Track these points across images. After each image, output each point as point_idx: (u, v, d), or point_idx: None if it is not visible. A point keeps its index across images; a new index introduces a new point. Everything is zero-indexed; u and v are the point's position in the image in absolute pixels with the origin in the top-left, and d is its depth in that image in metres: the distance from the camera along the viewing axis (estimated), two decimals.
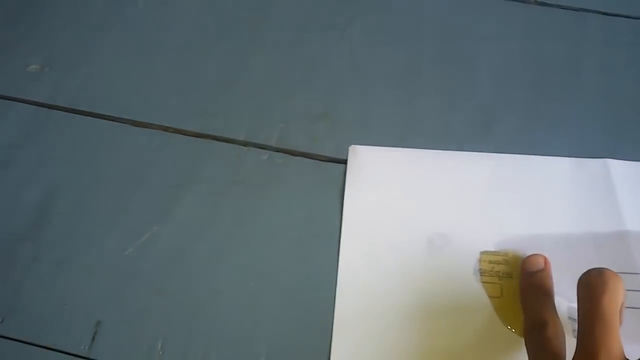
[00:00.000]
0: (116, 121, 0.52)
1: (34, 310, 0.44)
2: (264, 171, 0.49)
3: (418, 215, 0.46)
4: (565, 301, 0.40)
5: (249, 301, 0.43)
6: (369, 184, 0.47)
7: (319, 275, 0.44)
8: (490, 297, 0.42)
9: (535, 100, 0.51)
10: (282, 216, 0.47)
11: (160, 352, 0.42)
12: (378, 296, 0.43)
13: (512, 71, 0.53)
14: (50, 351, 0.42)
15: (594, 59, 0.54)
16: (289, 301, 0.43)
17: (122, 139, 0.51)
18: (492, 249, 0.44)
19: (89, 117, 0.53)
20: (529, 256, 0.42)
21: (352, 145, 0.50)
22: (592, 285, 0.33)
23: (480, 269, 0.43)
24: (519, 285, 0.42)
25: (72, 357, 0.42)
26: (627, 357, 0.32)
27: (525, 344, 0.37)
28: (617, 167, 0.47)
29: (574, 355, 0.33)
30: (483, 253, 0.44)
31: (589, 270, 0.34)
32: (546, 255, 0.42)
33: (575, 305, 0.35)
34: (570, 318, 0.40)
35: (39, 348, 0.42)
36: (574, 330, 0.39)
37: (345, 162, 0.49)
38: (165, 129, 0.52)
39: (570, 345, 0.34)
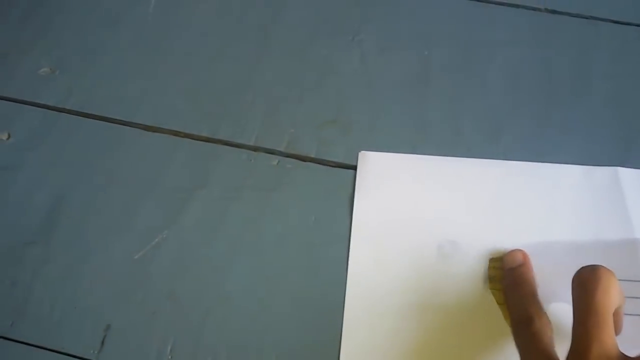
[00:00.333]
0: (126, 125, 0.52)
1: (44, 313, 0.44)
2: (273, 176, 0.49)
3: (428, 221, 0.46)
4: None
5: (257, 306, 0.43)
6: (379, 189, 0.47)
7: (328, 280, 0.44)
8: (499, 304, 0.42)
9: (544, 108, 0.51)
10: (291, 221, 0.47)
11: (170, 357, 0.42)
12: (387, 301, 0.43)
13: (521, 78, 0.53)
14: (60, 355, 0.42)
15: (603, 67, 0.54)
16: (297, 306, 0.43)
17: (132, 143, 0.51)
18: (501, 256, 0.44)
19: (99, 121, 0.53)
20: (508, 253, 0.43)
21: (362, 151, 0.50)
22: (585, 282, 0.33)
23: (489, 276, 0.43)
24: (502, 283, 0.42)
25: None
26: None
27: (514, 341, 0.37)
28: (628, 176, 0.47)
29: (568, 350, 0.33)
30: (492, 260, 0.44)
31: (582, 268, 0.35)
32: (555, 262, 0.42)
33: None
34: None
35: (49, 352, 0.42)
36: None
37: (354, 167, 0.49)
38: (175, 133, 0.52)
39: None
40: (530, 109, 0.52)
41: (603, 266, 0.34)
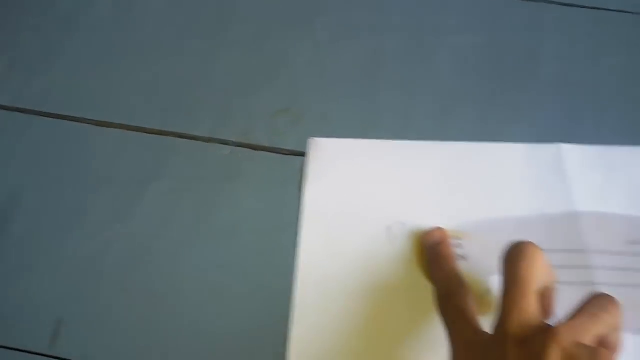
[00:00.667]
0: (79, 122, 0.52)
1: None
2: (226, 166, 0.49)
3: (377, 204, 0.46)
4: None
5: (210, 295, 0.44)
6: (329, 174, 0.48)
7: (280, 265, 0.44)
8: None
9: (493, 90, 0.52)
10: (243, 210, 0.47)
11: (123, 348, 0.42)
12: (337, 284, 0.43)
13: (470, 62, 0.54)
14: (11, 350, 0.42)
15: (551, 49, 0.54)
16: (249, 293, 0.44)
17: (84, 140, 0.51)
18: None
19: (51, 119, 0.53)
20: (428, 231, 0.44)
21: (312, 138, 0.50)
22: (511, 256, 0.34)
23: None
24: (425, 261, 0.43)
25: (34, 355, 0.42)
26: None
27: (440, 316, 0.38)
28: (570, 151, 0.48)
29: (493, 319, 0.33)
30: None
31: (510, 244, 0.35)
32: (499, 237, 0.42)
33: None
34: None
35: (1, 349, 0.42)
36: None
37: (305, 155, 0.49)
38: (127, 127, 0.52)
39: None
40: (479, 92, 0.52)
41: (530, 242, 0.34)
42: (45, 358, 0.42)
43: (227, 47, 0.56)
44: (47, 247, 0.46)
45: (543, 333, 0.30)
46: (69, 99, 0.53)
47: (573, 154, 0.48)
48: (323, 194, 0.47)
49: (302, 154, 0.50)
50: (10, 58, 0.57)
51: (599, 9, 0.56)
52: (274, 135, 0.51)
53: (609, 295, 0.33)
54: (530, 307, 0.32)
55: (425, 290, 0.42)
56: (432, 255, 0.43)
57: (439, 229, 0.44)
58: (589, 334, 0.31)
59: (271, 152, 0.50)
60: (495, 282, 0.41)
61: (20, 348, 0.42)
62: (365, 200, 0.46)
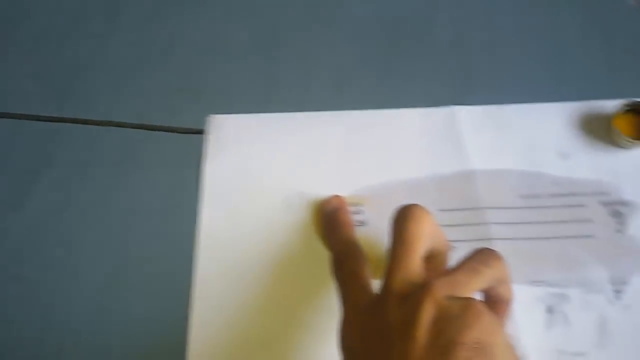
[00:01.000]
0: None
1: None
2: (122, 149, 0.48)
3: (276, 176, 0.46)
4: None
5: (107, 278, 0.43)
6: (228, 151, 0.47)
7: (180, 244, 0.44)
8: None
9: (389, 59, 0.52)
10: (141, 192, 0.46)
11: (17, 338, 0.40)
12: (238, 260, 0.43)
13: (368, 33, 0.54)
14: None
15: (445, 14, 0.55)
16: (149, 273, 0.43)
17: None
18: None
19: None
20: (324, 199, 0.44)
21: (211, 115, 0.49)
22: (398, 217, 0.34)
23: None
24: (322, 229, 0.43)
25: None
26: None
27: (335, 280, 0.38)
28: (463, 113, 0.48)
29: None
30: None
31: (397, 207, 0.35)
32: (395, 200, 0.43)
33: None
34: None
35: None
36: None
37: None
38: (20, 116, 0.50)
39: None
40: (376, 61, 0.52)
41: (417, 204, 0.34)
42: None
43: (120, 29, 0.55)
44: None
45: (420, 289, 0.30)
46: None
47: (465, 115, 0.48)
48: (223, 170, 0.46)
49: (202, 132, 0.49)
50: None
51: None
52: (171, 115, 0.50)
53: (490, 250, 0.33)
54: (413, 265, 0.32)
55: (324, 259, 0.42)
56: (328, 222, 0.43)
57: (336, 196, 0.44)
58: (467, 288, 0.31)
59: (169, 131, 0.49)
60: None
61: None
62: (264, 173, 0.46)
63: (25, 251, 0.44)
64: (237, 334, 0.40)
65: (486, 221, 0.44)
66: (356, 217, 0.44)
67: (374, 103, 0.50)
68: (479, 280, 0.32)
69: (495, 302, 0.35)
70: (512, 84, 0.51)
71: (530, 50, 0.52)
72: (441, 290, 0.30)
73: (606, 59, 0.52)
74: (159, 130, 0.48)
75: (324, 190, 0.45)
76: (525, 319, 0.41)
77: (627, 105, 0.48)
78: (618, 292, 0.42)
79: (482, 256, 0.33)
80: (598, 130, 0.48)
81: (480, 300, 0.30)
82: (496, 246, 0.43)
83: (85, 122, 0.49)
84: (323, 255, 0.42)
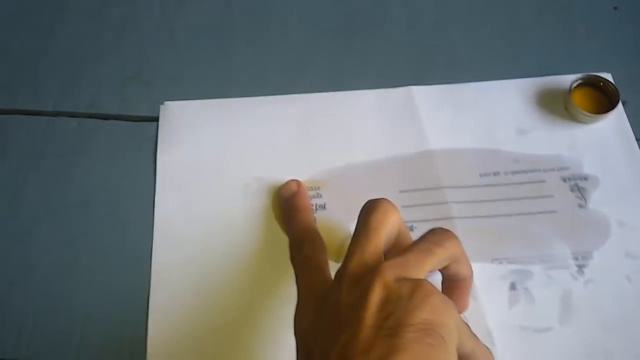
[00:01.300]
0: None
1: None
2: (74, 139, 0.47)
3: (233, 162, 0.45)
4: None
5: (63, 270, 0.42)
6: (183, 138, 0.46)
7: (136, 235, 0.43)
8: None
9: (345, 41, 0.52)
10: (95, 183, 0.45)
11: None
12: (195, 245, 0.42)
13: (323, 15, 0.53)
14: None
15: None
16: (105, 263, 0.42)
17: None
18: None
19: None
20: (283, 184, 0.43)
21: (165, 102, 0.48)
22: (364, 209, 0.34)
23: None
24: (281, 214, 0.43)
25: None
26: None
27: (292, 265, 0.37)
28: (420, 93, 0.48)
29: None
30: None
31: (366, 202, 0.35)
32: (355, 182, 0.43)
33: None
34: None
35: None
36: None
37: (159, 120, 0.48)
38: None
39: None
40: (331, 43, 0.52)
41: (386, 199, 0.34)
42: None
43: (68, 16, 0.53)
44: None
45: (370, 271, 0.30)
46: None
47: (423, 95, 0.48)
48: (177, 158, 0.45)
49: (155, 120, 0.48)
50: None
51: None
52: (124, 103, 0.49)
53: (443, 229, 0.33)
54: (372, 249, 0.32)
55: (283, 245, 0.41)
56: (286, 207, 0.42)
57: (295, 180, 0.43)
58: (419, 269, 0.30)
59: (122, 120, 0.48)
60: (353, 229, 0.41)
61: None
62: (221, 160, 0.45)
63: None
64: (196, 321, 0.40)
65: (447, 200, 0.44)
66: (315, 201, 0.44)
67: (330, 85, 0.49)
68: (431, 260, 0.31)
69: (454, 281, 0.34)
70: (470, 61, 0.50)
71: (487, 26, 0.52)
72: (391, 272, 0.29)
73: (565, 32, 0.51)
74: (112, 119, 0.47)
75: (283, 174, 0.44)
76: (489, 296, 0.41)
77: (582, 79, 0.48)
78: (581, 267, 0.42)
79: (434, 236, 0.32)
80: (556, 105, 0.48)
81: (428, 281, 0.30)
82: (457, 225, 0.43)
83: (37, 113, 0.47)
84: (283, 241, 0.41)
